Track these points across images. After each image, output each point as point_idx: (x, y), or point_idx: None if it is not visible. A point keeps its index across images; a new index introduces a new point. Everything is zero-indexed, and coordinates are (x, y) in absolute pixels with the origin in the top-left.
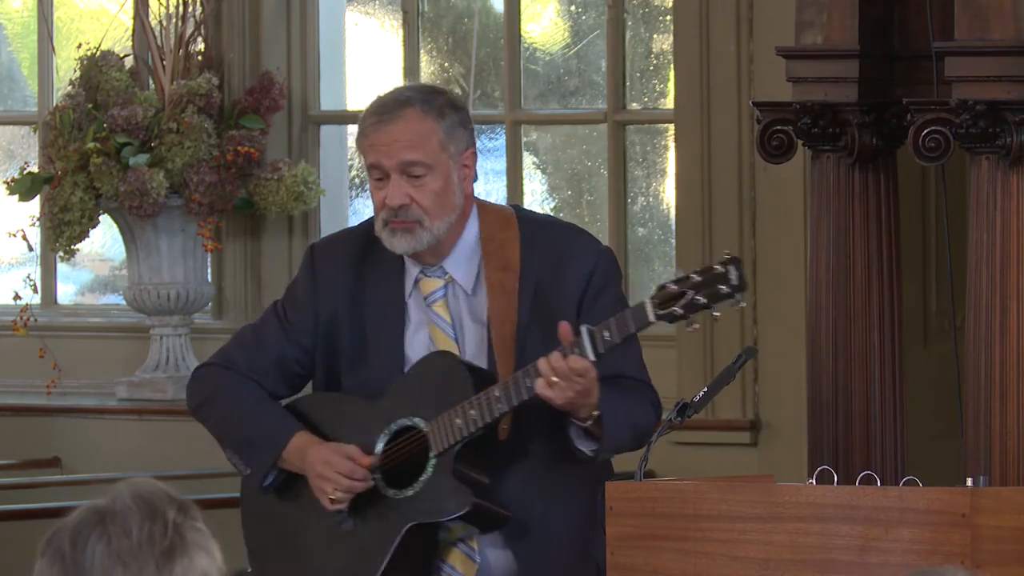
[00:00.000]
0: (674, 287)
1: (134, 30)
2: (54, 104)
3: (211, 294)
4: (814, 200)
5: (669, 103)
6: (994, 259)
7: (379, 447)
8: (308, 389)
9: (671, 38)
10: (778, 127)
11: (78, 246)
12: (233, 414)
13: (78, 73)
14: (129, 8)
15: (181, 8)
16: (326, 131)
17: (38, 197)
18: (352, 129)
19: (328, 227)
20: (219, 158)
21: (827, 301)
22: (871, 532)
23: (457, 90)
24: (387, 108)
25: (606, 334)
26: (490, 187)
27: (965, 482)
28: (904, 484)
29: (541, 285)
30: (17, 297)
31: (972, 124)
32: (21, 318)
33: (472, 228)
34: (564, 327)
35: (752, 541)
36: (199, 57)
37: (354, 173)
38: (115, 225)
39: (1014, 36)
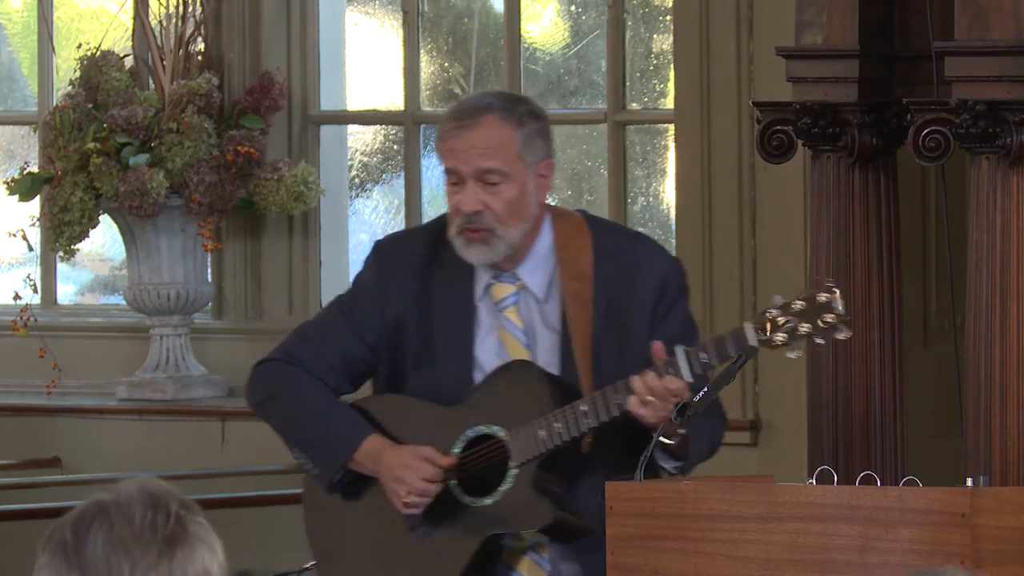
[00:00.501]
0: (776, 313)
1: (134, 30)
2: (54, 104)
3: (211, 294)
4: (814, 200)
5: (669, 103)
6: (994, 259)
7: (455, 453)
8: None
9: (671, 38)
10: (778, 127)
11: (78, 246)
12: (300, 413)
13: (78, 73)
14: (129, 8)
15: (181, 8)
16: (326, 131)
17: (38, 197)
18: (352, 129)
19: (328, 227)
20: (219, 158)
21: None
22: (871, 532)
23: (457, 90)
24: (467, 114)
25: (703, 356)
26: None
27: (965, 482)
28: (904, 484)
29: (614, 295)
30: (17, 297)
31: (972, 124)
32: (21, 318)
33: (546, 236)
34: (657, 347)
35: (752, 541)
36: (199, 57)
37: (354, 173)
38: (115, 225)
39: (1014, 36)
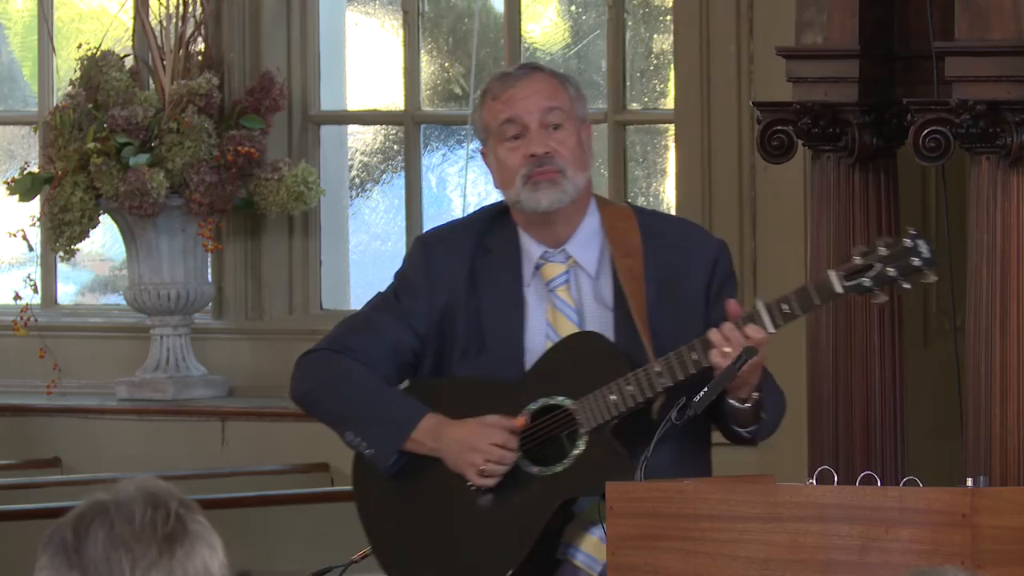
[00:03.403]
0: (860, 260)
1: (134, 30)
2: (54, 104)
3: (211, 294)
4: (814, 200)
5: (669, 103)
6: (994, 259)
7: (522, 416)
8: None
9: (671, 38)
10: (778, 127)
11: (78, 246)
12: (355, 395)
13: (78, 73)
14: (129, 8)
15: (181, 8)
16: (326, 131)
17: (38, 197)
18: (352, 129)
19: (328, 227)
20: (219, 158)
21: None
22: (871, 532)
23: (457, 90)
24: (515, 73)
25: (785, 307)
26: (491, 187)
27: (965, 482)
28: (904, 484)
29: (665, 271)
30: (17, 297)
31: (972, 124)
32: (21, 318)
33: (593, 215)
34: (731, 303)
35: (752, 541)
36: (199, 57)
37: (354, 173)
38: (115, 225)
39: (1014, 36)
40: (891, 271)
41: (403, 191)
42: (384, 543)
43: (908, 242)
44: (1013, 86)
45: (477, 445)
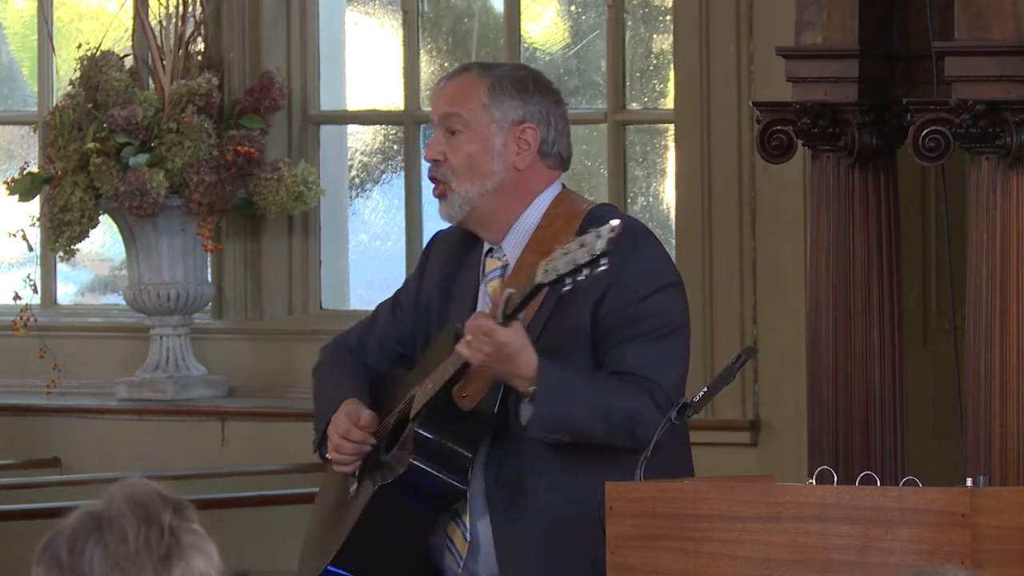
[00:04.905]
0: (560, 251)
1: (134, 30)
2: (54, 104)
3: (211, 294)
4: (814, 200)
5: (669, 103)
6: (994, 259)
7: (394, 417)
8: None
9: (671, 38)
10: (778, 127)
11: (78, 246)
12: (319, 387)
13: (78, 73)
14: (129, 8)
15: (181, 8)
16: (326, 131)
17: (38, 197)
18: (352, 129)
19: (328, 227)
20: (219, 158)
21: (827, 301)
22: (871, 532)
23: None
24: (449, 74)
25: (515, 297)
26: None
27: (965, 482)
28: (904, 484)
29: None
30: (17, 297)
31: (972, 124)
32: (21, 318)
33: (535, 212)
34: (495, 292)
35: (752, 541)
36: (199, 57)
37: (354, 173)
38: (115, 225)
39: (1014, 36)
40: (577, 260)
41: (403, 191)
42: (308, 543)
43: (594, 232)
44: (1013, 86)
45: (329, 433)
